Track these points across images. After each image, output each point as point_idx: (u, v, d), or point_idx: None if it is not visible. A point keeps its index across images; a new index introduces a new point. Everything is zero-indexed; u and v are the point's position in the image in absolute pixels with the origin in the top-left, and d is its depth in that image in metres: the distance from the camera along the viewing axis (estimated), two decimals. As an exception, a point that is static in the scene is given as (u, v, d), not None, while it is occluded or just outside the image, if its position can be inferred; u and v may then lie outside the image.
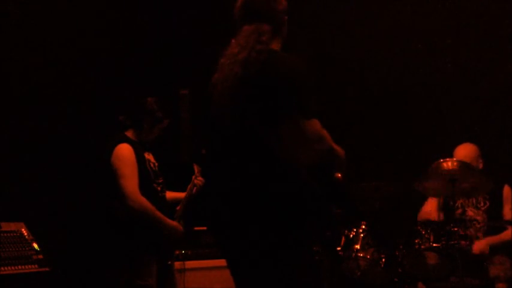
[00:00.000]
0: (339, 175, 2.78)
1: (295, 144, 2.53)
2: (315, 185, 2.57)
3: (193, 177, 4.26)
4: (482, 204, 4.58)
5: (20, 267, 3.79)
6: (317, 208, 2.59)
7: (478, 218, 4.56)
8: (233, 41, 2.74)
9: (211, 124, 2.77)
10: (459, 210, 4.51)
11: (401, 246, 4.33)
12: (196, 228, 5.07)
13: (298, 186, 2.55)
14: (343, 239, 4.52)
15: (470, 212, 4.57)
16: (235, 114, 2.60)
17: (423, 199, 4.77)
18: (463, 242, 4.23)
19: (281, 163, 2.54)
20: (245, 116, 2.58)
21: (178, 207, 4.17)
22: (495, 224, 4.42)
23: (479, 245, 4.33)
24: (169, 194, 4.16)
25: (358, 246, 4.39)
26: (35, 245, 3.97)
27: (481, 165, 4.58)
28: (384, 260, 4.36)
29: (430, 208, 4.71)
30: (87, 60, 5.31)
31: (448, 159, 4.31)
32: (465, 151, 4.59)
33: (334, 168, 2.72)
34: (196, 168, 4.31)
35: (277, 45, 2.76)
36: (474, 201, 4.59)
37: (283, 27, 2.80)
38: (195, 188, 4.23)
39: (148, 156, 4.02)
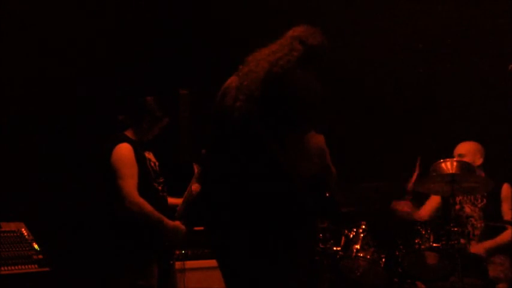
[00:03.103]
0: (327, 194, 2.87)
1: (297, 156, 2.58)
2: (309, 196, 2.61)
3: (190, 183, 4.25)
4: (479, 201, 4.59)
5: (20, 267, 3.79)
6: (307, 216, 2.64)
7: (475, 214, 4.57)
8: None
9: (218, 119, 2.79)
10: (457, 207, 4.51)
11: (401, 246, 4.33)
12: (196, 228, 5.06)
13: (294, 194, 2.58)
14: (343, 239, 4.53)
15: (467, 209, 4.58)
16: (247, 112, 2.64)
17: (423, 199, 4.77)
18: (462, 241, 4.23)
19: (280, 171, 2.57)
20: (255, 117, 2.62)
21: (178, 208, 4.17)
22: (495, 223, 4.42)
23: (476, 248, 4.34)
24: (169, 200, 4.15)
25: (358, 246, 4.39)
26: (35, 245, 3.97)
27: (478, 162, 4.57)
28: (383, 260, 4.36)
29: (429, 208, 4.73)
30: (87, 60, 5.31)
31: (448, 159, 4.33)
32: (463, 148, 4.63)
33: (327, 186, 2.79)
34: (196, 168, 4.31)
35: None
36: (472, 198, 4.60)
37: (309, 63, 2.89)
38: (191, 195, 4.22)
39: (149, 155, 4.02)
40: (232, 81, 2.81)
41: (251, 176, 2.59)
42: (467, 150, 4.60)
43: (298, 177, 2.59)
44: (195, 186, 4.25)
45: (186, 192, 4.23)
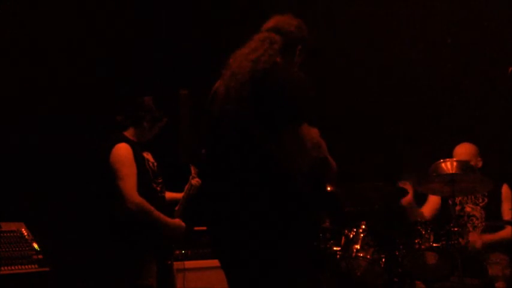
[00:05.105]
0: (329, 187, 2.83)
1: (293, 151, 2.55)
2: (309, 192, 2.60)
3: (190, 177, 4.26)
4: (480, 200, 4.59)
5: (20, 267, 3.80)
6: (309, 213, 2.62)
7: (476, 213, 4.57)
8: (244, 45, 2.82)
9: (212, 124, 2.78)
10: (457, 207, 4.51)
11: (401, 246, 4.33)
12: (196, 228, 5.07)
13: (294, 192, 2.57)
14: (343, 239, 4.52)
15: (468, 208, 4.58)
16: (238, 114, 2.62)
17: (423, 200, 4.77)
18: (461, 240, 4.23)
19: (278, 168, 2.55)
20: (247, 118, 2.60)
21: (176, 207, 4.17)
22: (494, 223, 4.42)
23: (474, 238, 4.34)
24: (168, 195, 4.16)
25: (358, 246, 4.38)
26: (35, 245, 3.97)
27: (479, 164, 4.59)
28: (383, 260, 4.36)
29: (429, 208, 4.73)
30: (87, 60, 5.32)
31: (447, 159, 4.32)
32: (464, 150, 4.62)
33: (326, 179, 2.76)
34: (193, 170, 4.31)
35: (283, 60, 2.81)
36: (473, 197, 4.61)
37: (294, 52, 2.87)
38: (192, 189, 4.23)
39: (147, 155, 4.02)
40: (219, 85, 2.78)
41: (249, 177, 2.57)
42: (468, 153, 4.59)
43: (296, 173, 2.58)
44: (195, 181, 4.25)
45: (183, 193, 4.24)
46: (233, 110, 2.64)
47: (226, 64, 2.78)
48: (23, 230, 4.05)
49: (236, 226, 2.60)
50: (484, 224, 4.53)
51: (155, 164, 4.05)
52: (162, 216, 3.85)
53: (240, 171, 2.61)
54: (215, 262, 4.81)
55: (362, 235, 4.43)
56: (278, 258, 2.56)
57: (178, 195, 4.23)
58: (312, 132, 2.56)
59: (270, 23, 2.91)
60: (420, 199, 4.80)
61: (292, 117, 2.56)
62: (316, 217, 2.70)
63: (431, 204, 4.77)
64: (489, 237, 4.40)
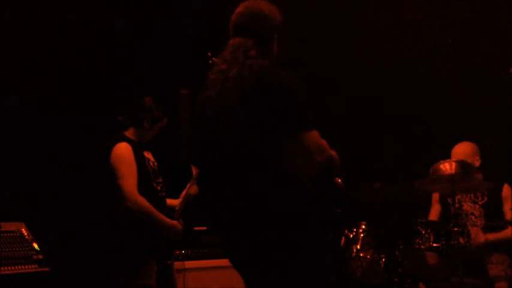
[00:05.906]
0: (339, 180, 2.78)
1: (297, 157, 2.50)
2: (319, 195, 2.57)
3: (189, 185, 4.25)
4: (480, 198, 4.59)
5: (20, 267, 3.80)
6: (322, 217, 2.59)
7: (475, 212, 4.57)
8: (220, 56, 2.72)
9: (205, 140, 2.72)
10: (456, 205, 4.51)
11: (401, 246, 4.33)
12: (196, 228, 5.07)
13: (302, 198, 2.53)
14: (343, 239, 4.52)
15: (466, 206, 4.58)
16: (234, 131, 2.55)
17: (423, 200, 4.77)
18: (461, 240, 4.23)
19: (283, 177, 2.51)
20: (244, 133, 2.53)
21: (176, 208, 4.17)
22: (495, 223, 4.42)
23: (477, 235, 4.32)
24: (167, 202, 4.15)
25: (358, 247, 4.39)
26: (35, 245, 3.97)
27: (477, 163, 4.58)
28: (383, 260, 4.36)
29: (436, 214, 4.73)
30: (87, 60, 5.31)
31: (447, 159, 4.33)
32: (461, 149, 4.62)
33: (333, 174, 2.71)
34: (194, 171, 4.30)
35: (265, 61, 2.70)
36: (472, 195, 4.60)
37: (271, 45, 2.77)
38: (189, 197, 4.22)
39: (148, 155, 4.02)
40: (206, 104, 2.67)
41: (256, 191, 2.52)
42: (465, 152, 4.59)
43: (303, 179, 2.54)
44: (192, 189, 4.25)
45: (183, 193, 4.23)
46: (228, 130, 2.55)
47: (207, 81, 2.69)
48: (23, 230, 4.04)
49: (248, 229, 2.56)
50: (482, 222, 4.52)
51: (155, 163, 4.05)
52: (161, 216, 3.84)
53: (244, 184, 2.54)
54: (215, 262, 4.88)
55: (362, 235, 4.43)
56: (291, 259, 2.52)
57: (175, 202, 4.22)
58: (314, 136, 2.51)
59: (241, 18, 2.77)
60: (422, 202, 4.81)
61: (291, 124, 2.49)
62: (329, 219, 2.65)
63: (435, 207, 4.77)
64: (492, 236, 4.39)
